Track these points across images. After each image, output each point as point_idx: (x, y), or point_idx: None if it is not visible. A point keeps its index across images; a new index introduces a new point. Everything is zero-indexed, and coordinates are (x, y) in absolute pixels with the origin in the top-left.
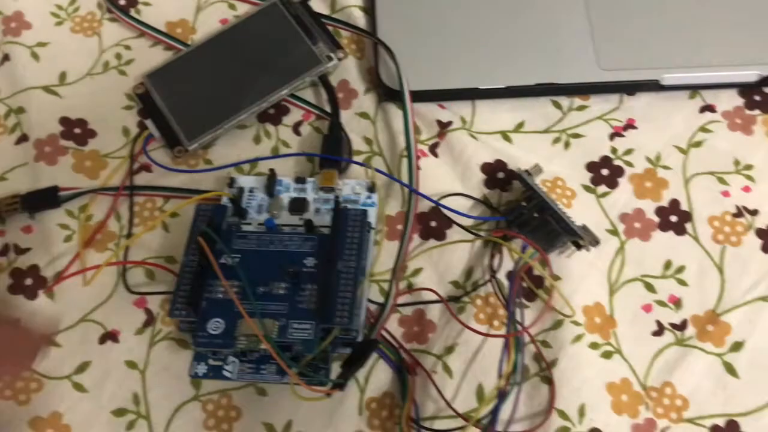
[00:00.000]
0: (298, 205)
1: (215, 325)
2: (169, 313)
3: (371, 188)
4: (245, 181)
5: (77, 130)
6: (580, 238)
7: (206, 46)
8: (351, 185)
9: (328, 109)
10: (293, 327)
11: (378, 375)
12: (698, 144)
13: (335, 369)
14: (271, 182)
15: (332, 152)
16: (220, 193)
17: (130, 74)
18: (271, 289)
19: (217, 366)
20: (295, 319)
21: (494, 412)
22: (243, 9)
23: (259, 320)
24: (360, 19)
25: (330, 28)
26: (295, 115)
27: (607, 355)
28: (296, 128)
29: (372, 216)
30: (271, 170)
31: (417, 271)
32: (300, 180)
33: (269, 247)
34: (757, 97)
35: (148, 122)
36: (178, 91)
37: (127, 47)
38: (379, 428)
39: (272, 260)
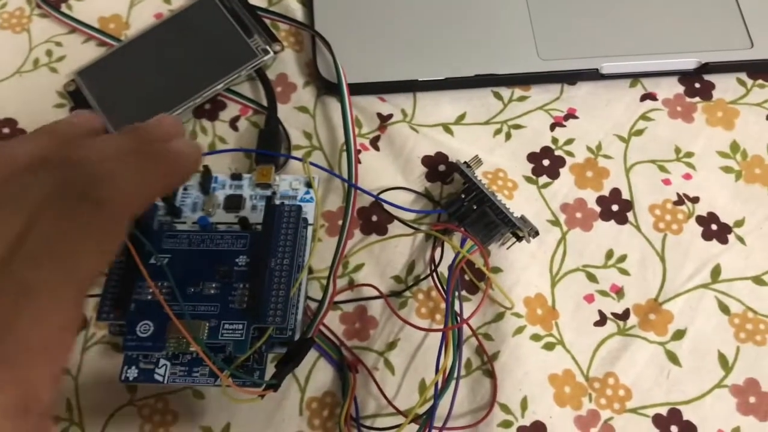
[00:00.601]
0: (233, 203)
1: (144, 328)
2: (98, 317)
3: (309, 184)
4: None
5: (6, 130)
6: (519, 229)
7: (139, 41)
8: (288, 181)
9: (265, 103)
10: (225, 328)
11: (319, 374)
12: (639, 132)
13: (272, 369)
14: (206, 179)
15: (268, 147)
16: None
17: (61, 71)
18: (202, 290)
19: (149, 369)
20: (226, 320)
21: (432, 408)
22: (178, 3)
23: (188, 322)
24: (297, 11)
25: (267, 21)
26: (231, 110)
27: (549, 346)
28: (233, 123)
29: (310, 212)
30: (206, 167)
31: (358, 267)
32: (236, 177)
33: (200, 246)
34: (697, 85)
35: None
36: (110, 88)
37: (58, 44)
38: (319, 428)
39: (203, 259)
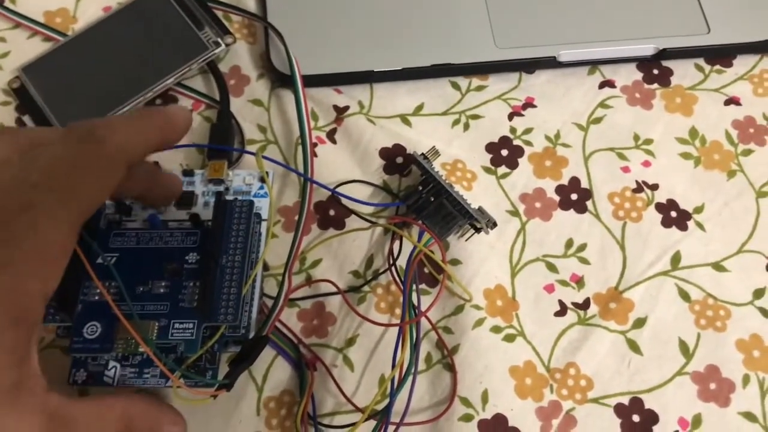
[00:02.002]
0: (185, 200)
1: (91, 329)
2: (43, 320)
3: (263, 178)
4: None
5: None
6: (476, 220)
7: (86, 35)
8: (242, 176)
9: (218, 97)
10: (175, 327)
11: (276, 373)
12: (598, 120)
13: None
14: None
15: (221, 142)
16: None
17: (5, 68)
18: (151, 289)
19: (98, 372)
20: (176, 319)
21: (389, 403)
22: None
23: (137, 322)
24: (250, 2)
25: (219, 12)
26: (183, 104)
27: (509, 338)
28: None
29: (264, 207)
30: (155, 163)
31: (316, 263)
32: (187, 173)
33: (149, 244)
34: (656, 71)
35: (26, 118)
36: (56, 84)
37: (2, 39)
38: (277, 428)
39: (152, 258)
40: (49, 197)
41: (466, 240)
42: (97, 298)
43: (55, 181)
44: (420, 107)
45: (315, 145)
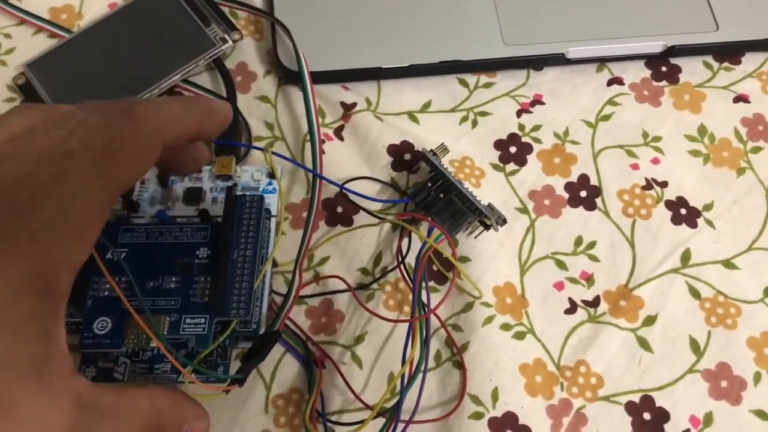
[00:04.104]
0: (193, 195)
1: (102, 325)
2: None
3: (272, 174)
4: None
5: None
6: (486, 217)
7: (92, 31)
8: (250, 172)
9: (225, 93)
10: (186, 322)
11: (285, 370)
12: (606, 117)
13: (237, 366)
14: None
15: (228, 138)
16: None
17: (11, 64)
18: (161, 284)
19: (108, 368)
20: (187, 314)
21: (398, 401)
22: None
23: (149, 317)
24: None
25: (225, 8)
26: None
27: (519, 335)
28: None
29: (273, 203)
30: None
31: (324, 260)
32: None
33: (159, 239)
34: (664, 68)
35: None
36: (62, 80)
37: (7, 35)
38: (285, 426)
39: (162, 253)
40: (85, 167)
41: (475, 237)
42: (106, 293)
43: (93, 152)
44: (428, 104)
45: (323, 142)
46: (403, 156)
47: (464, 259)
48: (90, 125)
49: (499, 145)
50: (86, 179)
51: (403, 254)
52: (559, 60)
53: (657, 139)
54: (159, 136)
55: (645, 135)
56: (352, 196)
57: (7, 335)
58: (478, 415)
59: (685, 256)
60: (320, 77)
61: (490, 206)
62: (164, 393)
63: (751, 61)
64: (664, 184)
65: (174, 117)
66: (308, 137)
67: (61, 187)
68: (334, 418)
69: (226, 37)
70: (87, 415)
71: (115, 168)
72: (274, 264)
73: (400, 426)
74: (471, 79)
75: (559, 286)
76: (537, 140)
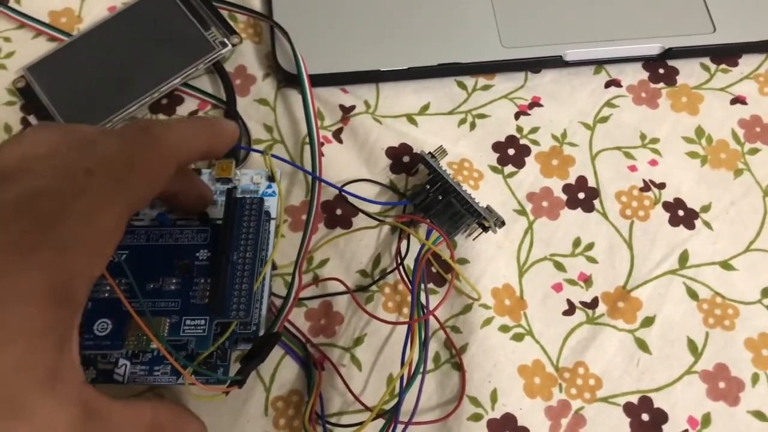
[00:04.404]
0: None
1: (102, 326)
2: None
3: (271, 177)
4: None
5: None
6: (485, 219)
7: (92, 34)
8: (250, 175)
9: (224, 97)
10: (186, 324)
11: (284, 373)
12: (604, 119)
13: (237, 368)
14: None
15: None
16: None
17: (10, 68)
18: (162, 285)
19: (108, 370)
20: (188, 316)
21: (397, 402)
22: None
23: (149, 318)
24: (255, 1)
25: (224, 12)
26: (189, 104)
27: (518, 337)
28: None
29: (272, 206)
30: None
31: (323, 262)
32: (195, 172)
33: (159, 241)
34: (661, 70)
35: (31, 118)
36: (62, 84)
37: (7, 39)
38: (285, 427)
39: (163, 255)
40: (104, 184)
41: (474, 239)
42: (107, 295)
43: (111, 171)
44: (426, 107)
45: (321, 144)
46: (402, 158)
47: (463, 261)
48: (109, 145)
49: (498, 147)
50: (105, 196)
51: (402, 256)
52: (557, 62)
53: (655, 140)
54: (172, 155)
55: (643, 137)
56: (351, 199)
57: (25, 342)
58: (477, 417)
59: (683, 258)
60: (319, 80)
61: (488, 208)
62: (166, 406)
63: (748, 62)
64: (661, 186)
65: (186, 137)
66: (307, 140)
67: (82, 202)
68: (333, 419)
69: (226, 40)
70: (94, 422)
71: (132, 186)
72: (274, 266)
73: (400, 427)
74: (469, 81)
75: (558, 287)
76: (535, 142)
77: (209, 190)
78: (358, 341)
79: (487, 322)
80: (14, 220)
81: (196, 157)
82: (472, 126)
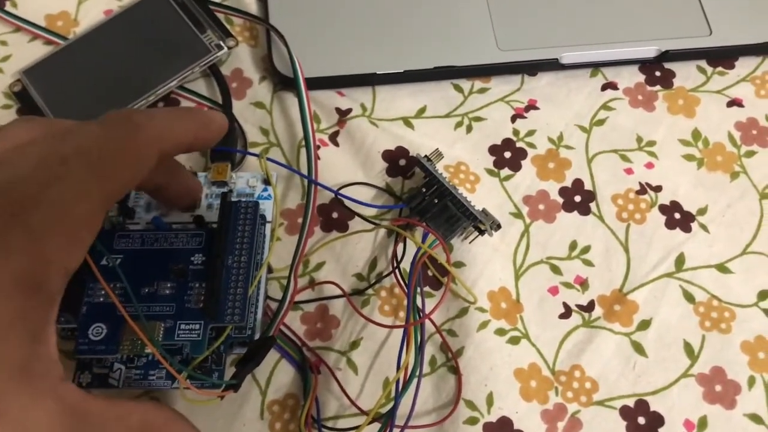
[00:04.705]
0: None
1: (97, 331)
2: None
3: (267, 181)
4: None
5: None
6: (481, 222)
7: (88, 38)
8: (245, 178)
9: (220, 99)
10: (181, 328)
11: (280, 376)
12: (600, 122)
13: (232, 372)
14: None
15: (223, 144)
16: None
17: (6, 71)
18: (156, 290)
19: (103, 374)
20: (182, 320)
21: (393, 406)
22: None
23: (144, 323)
24: (251, 4)
25: (221, 15)
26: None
27: (514, 340)
28: None
29: (268, 209)
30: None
31: (319, 265)
32: (184, 166)
33: (154, 245)
34: (658, 73)
35: None
36: (58, 87)
37: (3, 42)
38: (281, 431)
39: (157, 259)
40: (80, 171)
41: (470, 242)
42: (102, 299)
43: (87, 158)
44: (422, 110)
45: (318, 147)
46: (398, 161)
47: (459, 264)
48: (87, 133)
49: (494, 150)
50: (81, 183)
51: (398, 259)
52: (554, 65)
53: (651, 143)
54: (154, 144)
55: (639, 139)
56: (347, 202)
57: None
58: (473, 420)
59: (679, 261)
60: (315, 83)
61: (484, 211)
62: (158, 409)
63: (744, 65)
64: (658, 189)
65: (169, 126)
66: (303, 143)
67: (56, 189)
68: (329, 423)
69: (222, 43)
70: (73, 420)
71: (110, 174)
72: (269, 270)
73: (396, 431)
74: (465, 84)
75: (554, 290)
76: (531, 145)
77: (198, 184)
78: (354, 345)
79: (483, 325)
80: None
81: (182, 148)
82: (469, 129)
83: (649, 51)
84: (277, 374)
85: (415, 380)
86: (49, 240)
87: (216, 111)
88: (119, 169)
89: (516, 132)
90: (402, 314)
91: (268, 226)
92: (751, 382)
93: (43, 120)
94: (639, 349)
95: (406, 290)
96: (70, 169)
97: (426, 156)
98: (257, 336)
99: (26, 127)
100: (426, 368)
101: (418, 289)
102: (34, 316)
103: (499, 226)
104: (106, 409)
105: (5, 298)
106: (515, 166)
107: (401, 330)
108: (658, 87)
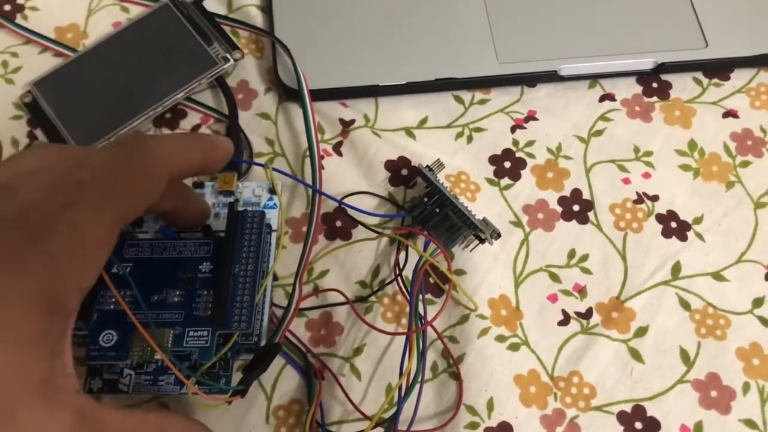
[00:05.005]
0: None
1: (107, 337)
2: None
3: (273, 190)
4: None
5: None
6: (481, 231)
7: (97, 50)
8: (251, 188)
9: (226, 111)
10: (189, 335)
11: (285, 382)
12: (598, 133)
13: (239, 378)
14: None
15: None
16: None
17: (17, 82)
18: (165, 297)
19: (113, 380)
20: (191, 327)
21: (396, 411)
22: (136, 11)
23: (153, 330)
24: (257, 18)
25: (227, 28)
26: (192, 118)
27: (514, 347)
28: (194, 132)
29: (274, 218)
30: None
31: (323, 273)
32: (198, 185)
33: (163, 253)
34: (655, 84)
35: (38, 132)
36: (67, 98)
37: (14, 54)
38: None
39: (166, 267)
40: (94, 195)
41: (471, 251)
42: (112, 306)
43: (101, 182)
44: (424, 120)
45: (322, 157)
46: (401, 171)
47: (460, 272)
48: (100, 158)
49: (494, 160)
50: (95, 207)
51: (401, 267)
52: (552, 77)
53: (648, 153)
54: (164, 168)
55: (636, 150)
56: (350, 211)
57: (15, 350)
58: (473, 425)
59: (676, 269)
60: (319, 94)
61: (484, 220)
62: (173, 417)
63: (739, 77)
64: (654, 198)
65: (178, 151)
66: (308, 153)
67: (71, 213)
68: (333, 428)
69: (228, 55)
70: (92, 430)
71: (122, 197)
72: (275, 277)
73: None
74: (466, 95)
75: (553, 298)
76: (531, 155)
77: (206, 205)
78: (358, 351)
79: (484, 332)
80: (4, 233)
81: (190, 171)
82: (469, 139)
83: (647, 63)
84: (282, 380)
85: (417, 386)
86: (66, 262)
87: (222, 137)
88: (132, 191)
89: (515, 142)
90: (404, 321)
91: (274, 235)
92: (746, 388)
93: (56, 146)
94: (636, 355)
95: (408, 298)
96: (85, 192)
97: (428, 166)
98: (263, 342)
99: (40, 154)
100: (428, 374)
101: (420, 297)
102: (53, 333)
103: (499, 235)
104: (121, 420)
105: (27, 318)
106: (515, 176)
107: (403, 337)
108: (655, 98)
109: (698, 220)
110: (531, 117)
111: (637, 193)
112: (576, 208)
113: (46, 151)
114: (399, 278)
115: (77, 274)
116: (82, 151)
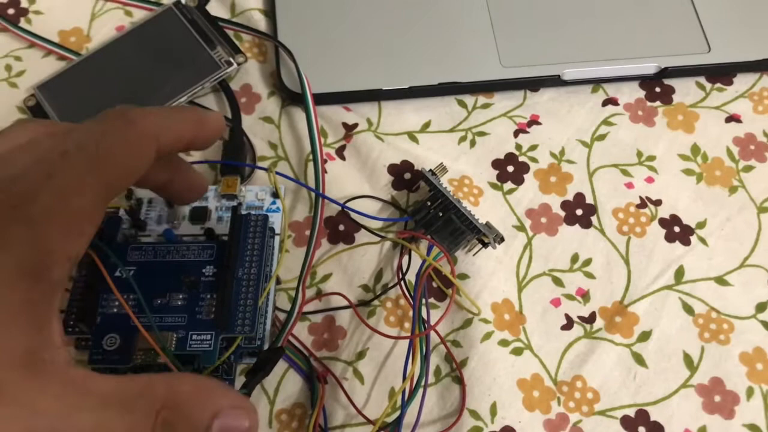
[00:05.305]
0: (198, 215)
1: (111, 341)
2: (63, 325)
3: (276, 194)
4: (144, 192)
5: None
6: (484, 235)
7: (100, 54)
8: (255, 192)
9: (230, 114)
10: (193, 338)
11: (288, 386)
12: (601, 137)
13: (242, 381)
14: None
15: (233, 158)
16: (117, 206)
17: (21, 86)
18: (169, 301)
19: None
20: (194, 330)
21: (399, 416)
22: (139, 15)
23: (156, 333)
24: (260, 22)
25: (230, 32)
26: None
27: (517, 351)
28: None
29: (277, 222)
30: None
31: (326, 277)
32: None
33: (166, 257)
34: (658, 89)
35: None
36: (71, 102)
37: (18, 58)
38: None
39: (170, 271)
40: (78, 164)
41: (474, 255)
42: (115, 310)
43: (87, 151)
44: (427, 124)
45: (325, 161)
46: (404, 175)
47: (463, 276)
48: (85, 129)
49: (497, 164)
50: (79, 176)
51: (404, 271)
52: (555, 81)
53: (651, 158)
54: (151, 140)
55: (639, 154)
56: (353, 215)
57: None
58: (477, 430)
59: (679, 273)
60: (322, 98)
61: (487, 224)
62: (185, 377)
63: (742, 81)
64: (658, 203)
65: (164, 122)
66: (311, 157)
67: (55, 182)
68: None
69: (231, 59)
70: (84, 400)
71: (108, 167)
72: (278, 281)
73: None
74: (469, 100)
75: (556, 302)
76: (534, 160)
77: (203, 179)
78: (361, 355)
79: (487, 336)
80: None
81: (180, 144)
82: (472, 143)
83: (649, 67)
84: (285, 384)
85: (421, 390)
86: (49, 230)
87: (213, 111)
88: (117, 161)
89: (518, 146)
90: (407, 325)
91: (277, 239)
92: (750, 392)
93: (43, 121)
94: (639, 360)
95: (411, 301)
96: (69, 162)
97: (431, 170)
98: (266, 346)
99: (27, 128)
100: (431, 378)
101: (423, 301)
102: (38, 304)
103: (502, 239)
104: (122, 385)
105: (9, 288)
106: (518, 180)
107: (407, 340)
108: (658, 103)
109: (701, 225)
110: (534, 121)
111: (640, 197)
112: (579, 212)
113: (32, 125)
114: (402, 282)
115: (62, 243)
116: (67, 125)
